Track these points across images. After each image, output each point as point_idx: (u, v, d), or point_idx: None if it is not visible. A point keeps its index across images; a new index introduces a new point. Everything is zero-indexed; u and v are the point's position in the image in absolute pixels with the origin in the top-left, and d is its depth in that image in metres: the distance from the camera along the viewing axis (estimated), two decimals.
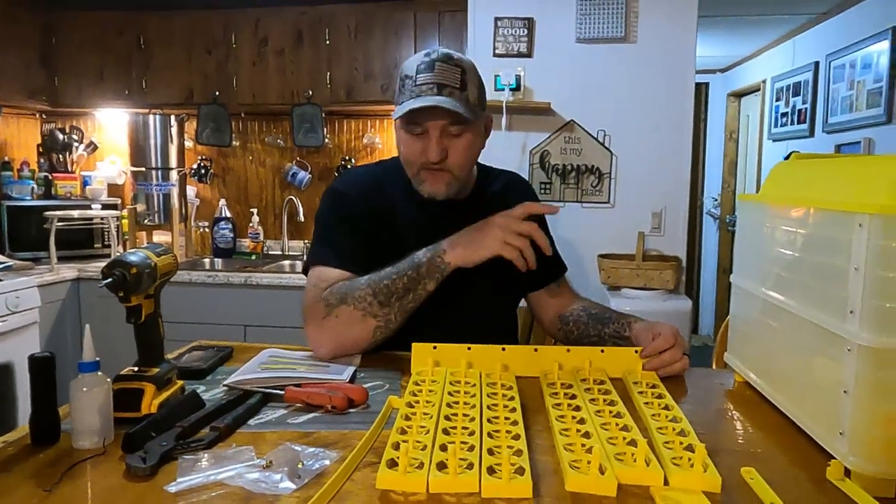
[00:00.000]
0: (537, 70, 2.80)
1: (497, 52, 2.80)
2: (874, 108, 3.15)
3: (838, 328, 0.77)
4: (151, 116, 3.35)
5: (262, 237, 3.62)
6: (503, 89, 2.72)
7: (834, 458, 0.78)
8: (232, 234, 3.56)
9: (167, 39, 3.34)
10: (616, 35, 2.72)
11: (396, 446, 0.78)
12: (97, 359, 0.84)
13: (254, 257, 3.54)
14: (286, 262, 3.42)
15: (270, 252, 3.64)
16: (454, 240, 1.19)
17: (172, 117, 3.37)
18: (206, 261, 3.50)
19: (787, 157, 1.12)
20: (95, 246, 3.36)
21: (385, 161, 1.48)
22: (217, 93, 3.32)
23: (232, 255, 3.55)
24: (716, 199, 5.55)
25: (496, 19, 2.80)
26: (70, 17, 3.37)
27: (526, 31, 2.77)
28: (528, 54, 2.79)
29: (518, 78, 2.73)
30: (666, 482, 0.74)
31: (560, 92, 2.80)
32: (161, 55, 3.35)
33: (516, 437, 0.83)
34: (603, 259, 2.72)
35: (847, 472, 0.77)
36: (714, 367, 1.69)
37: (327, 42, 3.19)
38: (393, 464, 0.74)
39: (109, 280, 0.87)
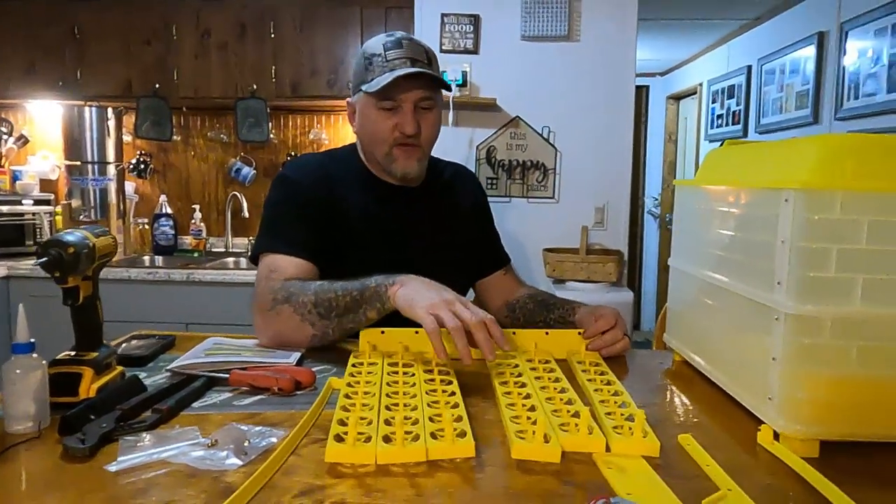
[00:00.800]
0: (483, 66, 2.84)
1: (444, 48, 2.82)
2: (802, 109, 3.32)
3: (767, 299, 0.82)
4: (87, 109, 3.23)
5: (204, 234, 3.54)
6: (450, 84, 2.73)
7: (764, 423, 0.83)
8: (173, 232, 3.47)
9: (103, 30, 3.22)
10: (560, 34, 2.78)
11: (342, 422, 0.78)
12: (32, 340, 0.81)
13: (196, 255, 3.46)
14: (230, 259, 3.35)
15: (214, 249, 3.56)
16: (407, 281, 1.09)
17: (110, 110, 3.26)
18: (146, 258, 3.40)
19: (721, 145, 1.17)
20: (27, 243, 3.21)
21: (335, 150, 1.48)
22: (157, 85, 3.23)
23: (173, 253, 3.45)
24: (656, 199, 5.73)
25: (443, 15, 2.82)
26: None
27: (472, 28, 2.80)
28: (475, 50, 2.83)
29: (464, 74, 2.76)
30: (608, 449, 0.77)
31: (506, 88, 2.85)
32: (97, 46, 3.24)
33: (455, 406, 0.86)
34: (548, 253, 2.77)
35: (776, 436, 0.81)
36: (654, 349, 1.74)
37: (272, 36, 3.15)
38: (340, 438, 0.75)
39: (45, 259, 0.84)
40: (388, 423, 0.79)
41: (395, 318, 1.12)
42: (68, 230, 0.90)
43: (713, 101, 4.65)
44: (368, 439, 0.75)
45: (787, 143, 0.90)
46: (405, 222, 1.37)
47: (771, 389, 0.81)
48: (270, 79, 3.18)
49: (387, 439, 0.75)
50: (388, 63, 1.24)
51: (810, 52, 3.23)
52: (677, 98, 5.61)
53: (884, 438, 0.78)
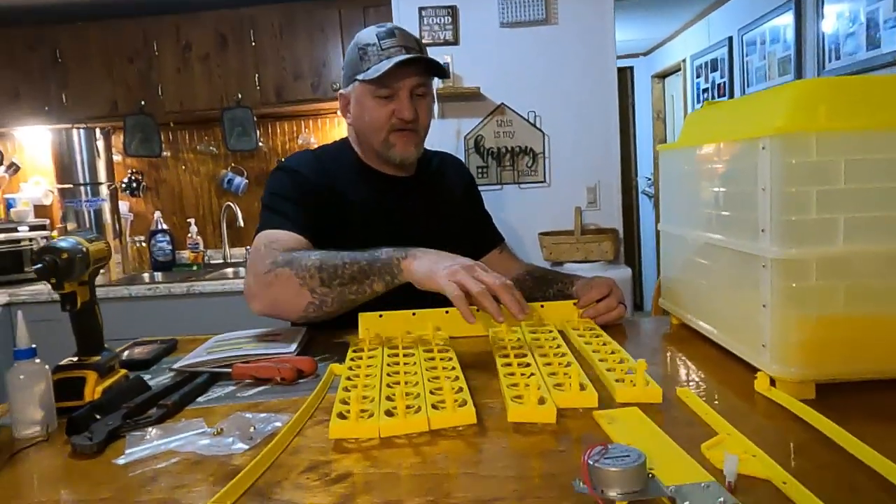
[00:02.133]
0: (465, 56, 2.84)
1: (424, 41, 2.82)
2: (786, 75, 3.32)
3: (753, 248, 0.83)
4: (75, 131, 3.24)
5: (202, 247, 3.55)
6: (446, 70, 2.74)
7: (760, 371, 0.84)
8: (170, 247, 3.47)
9: (84, 51, 3.23)
10: (537, 18, 2.78)
11: (345, 401, 0.79)
12: (33, 346, 0.82)
13: (195, 268, 3.47)
14: (229, 270, 3.35)
15: (212, 261, 3.57)
16: (420, 253, 1.08)
17: (98, 131, 3.27)
18: (146, 275, 3.40)
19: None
20: (26, 270, 3.22)
21: (327, 145, 1.49)
22: (143, 102, 3.24)
23: (172, 268, 3.46)
24: (649, 179, 5.73)
25: (420, 9, 2.82)
26: None
27: (450, 19, 2.81)
28: (455, 41, 2.83)
29: (447, 65, 2.77)
30: (606, 404, 0.78)
31: (488, 76, 2.85)
32: (79, 68, 3.24)
33: (455, 379, 0.87)
34: (544, 237, 2.78)
35: (773, 383, 0.82)
36: (652, 315, 1.75)
37: (253, 43, 3.16)
38: (342, 417, 0.76)
39: (40, 266, 0.85)
40: (389, 398, 0.80)
41: (392, 300, 1.13)
42: (61, 237, 0.91)
43: (698, 76, 4.66)
44: (371, 415, 0.76)
45: (761, 94, 0.91)
46: (402, 211, 1.39)
47: (764, 336, 0.82)
48: (255, 86, 3.19)
49: (389, 414, 0.76)
50: (383, 51, 1.26)
51: (788, 18, 3.24)
52: (662, 76, 5.62)
53: (877, 375, 0.79)
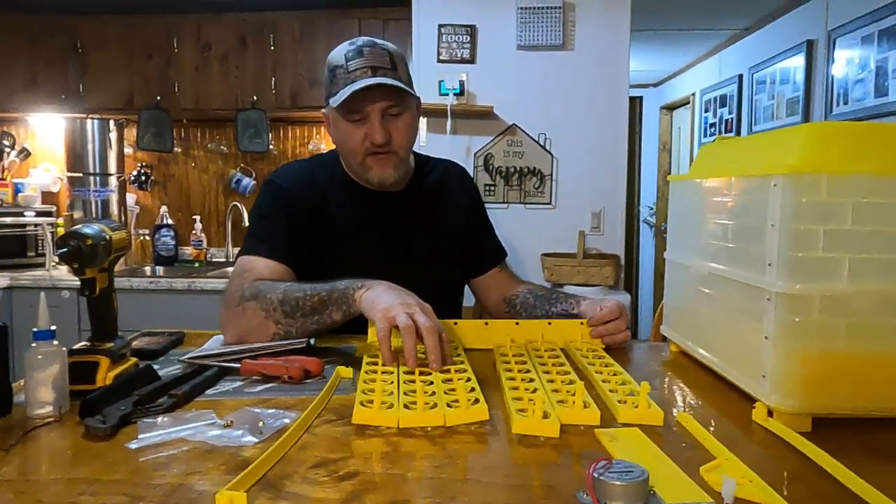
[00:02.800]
0: (480, 75, 2.89)
1: (441, 58, 2.88)
2: (793, 116, 3.38)
3: (759, 281, 0.85)
4: (89, 121, 3.27)
5: (205, 244, 3.57)
6: (447, 94, 2.79)
7: (759, 401, 0.86)
8: (174, 242, 3.50)
9: (104, 43, 3.28)
10: (554, 43, 2.84)
11: (366, 392, 0.83)
12: (53, 327, 0.84)
13: (197, 265, 3.49)
14: (231, 269, 3.37)
15: (214, 259, 3.59)
16: (374, 285, 1.10)
17: (112, 122, 3.30)
18: (147, 269, 3.42)
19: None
20: (29, 255, 3.24)
21: (320, 155, 1.49)
22: (159, 98, 3.28)
23: (174, 263, 3.48)
24: (651, 208, 5.78)
25: (440, 26, 2.87)
26: (0, 19, 3.27)
27: (469, 38, 2.86)
28: (471, 60, 2.88)
29: (461, 83, 2.81)
30: (609, 422, 0.80)
31: (502, 97, 2.90)
32: (99, 59, 3.29)
33: (468, 380, 0.91)
34: (546, 258, 2.81)
35: (770, 414, 0.84)
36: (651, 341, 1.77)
37: (272, 48, 3.20)
38: (365, 405, 0.80)
39: (65, 250, 0.87)
40: (407, 394, 0.84)
41: (357, 326, 1.14)
42: (85, 223, 0.93)
43: (706, 111, 4.72)
44: (391, 406, 0.81)
45: (775, 133, 0.94)
46: (394, 226, 1.38)
47: (764, 367, 0.84)
48: (270, 90, 3.23)
49: (408, 407, 0.81)
50: (349, 74, 1.23)
51: (799, 60, 3.30)
52: (671, 108, 5.68)
53: (874, 413, 0.81)
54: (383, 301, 1.04)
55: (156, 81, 3.28)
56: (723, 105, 4.38)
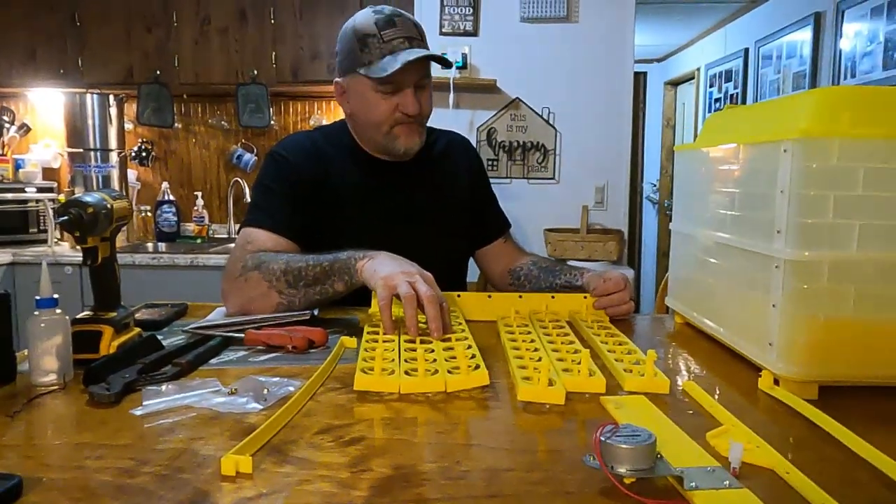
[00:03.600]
0: (483, 48, 2.85)
1: (443, 30, 2.84)
2: (799, 90, 3.34)
3: (767, 249, 0.84)
4: (89, 96, 3.24)
5: (207, 220, 3.56)
6: (450, 67, 2.75)
7: (765, 369, 0.85)
8: (175, 218, 3.49)
9: (103, 17, 3.23)
10: (559, 15, 2.80)
11: (368, 359, 0.83)
12: (56, 295, 0.84)
13: (199, 241, 3.48)
14: (233, 245, 3.37)
15: (216, 236, 3.58)
16: (376, 255, 1.10)
17: (111, 97, 3.27)
18: (150, 245, 3.42)
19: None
20: (31, 231, 3.23)
21: (324, 126, 1.48)
22: (158, 72, 3.24)
23: (176, 240, 3.47)
24: (654, 185, 5.75)
25: None
26: None
27: (471, 10, 2.82)
28: (474, 32, 2.84)
29: (464, 56, 2.78)
30: (615, 390, 0.80)
31: (505, 70, 2.87)
32: (98, 33, 3.24)
33: (469, 347, 0.91)
34: (549, 233, 2.80)
35: (776, 382, 0.84)
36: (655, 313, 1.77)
37: (272, 21, 3.16)
38: (366, 372, 0.81)
39: (66, 218, 0.86)
40: (408, 361, 0.84)
41: (361, 297, 1.15)
42: (86, 193, 0.92)
43: (711, 86, 4.67)
44: (392, 372, 0.81)
45: (784, 99, 0.92)
46: (400, 197, 1.38)
47: (771, 335, 0.83)
48: (271, 64, 3.19)
49: (409, 374, 0.81)
50: (385, 45, 1.22)
51: (807, 33, 3.25)
52: (675, 84, 5.63)
53: (881, 381, 0.81)
54: (385, 270, 1.03)
55: (155, 56, 3.24)
56: (728, 80, 4.33)
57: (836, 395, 0.80)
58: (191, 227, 3.55)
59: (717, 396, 0.82)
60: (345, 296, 1.17)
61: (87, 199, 0.90)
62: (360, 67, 1.25)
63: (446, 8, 2.83)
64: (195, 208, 3.53)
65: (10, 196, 3.11)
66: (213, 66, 3.23)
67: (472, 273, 1.59)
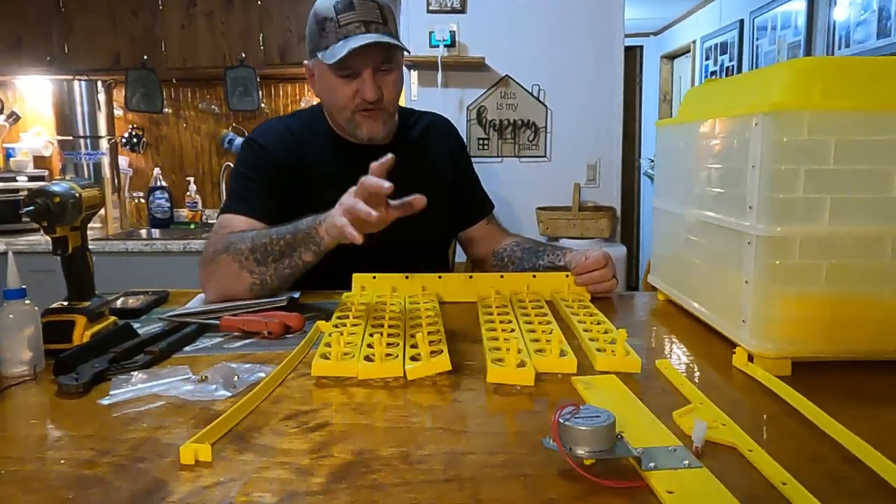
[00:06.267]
0: (471, 25, 2.82)
1: (431, 7, 2.80)
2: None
3: (740, 225, 0.83)
4: (76, 83, 3.21)
5: (200, 206, 3.55)
6: (438, 45, 2.72)
7: (739, 346, 0.85)
8: (168, 204, 3.47)
9: (88, 2, 3.19)
10: None
11: (329, 345, 0.83)
12: (23, 286, 0.83)
13: (193, 226, 3.47)
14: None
15: (210, 221, 3.57)
16: (329, 213, 1.07)
17: (99, 83, 3.25)
18: (143, 231, 3.41)
19: None
20: (24, 220, 3.21)
21: (301, 111, 1.47)
22: (145, 57, 3.21)
23: (170, 226, 3.47)
24: (652, 161, 5.71)
25: None
26: None
27: None
28: (462, 10, 2.80)
29: (452, 34, 2.74)
30: (585, 370, 0.80)
31: (495, 47, 2.83)
32: (83, 18, 3.21)
33: (436, 332, 0.90)
34: (541, 211, 2.78)
35: (750, 358, 0.83)
36: (642, 291, 1.77)
37: (258, 2, 3.12)
38: (325, 357, 0.80)
39: (31, 208, 0.86)
40: (370, 346, 0.83)
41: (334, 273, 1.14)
42: (54, 181, 0.91)
43: (707, 59, 4.61)
44: (352, 356, 0.81)
45: (761, 71, 0.91)
46: None
47: (744, 312, 0.83)
48: (259, 46, 3.16)
49: (368, 359, 0.80)
50: (340, 29, 1.20)
51: (801, 4, 3.20)
52: (671, 57, 5.56)
53: (853, 356, 0.81)
54: (334, 215, 1.02)
55: (142, 40, 3.21)
56: (724, 52, 4.28)
57: (811, 371, 0.80)
58: (184, 213, 3.54)
59: (693, 374, 0.82)
60: (326, 277, 1.17)
61: (55, 188, 0.89)
62: (318, 51, 1.24)
63: None
64: (188, 194, 3.52)
65: (1, 185, 3.09)
66: (200, 49, 3.19)
67: (461, 254, 1.59)
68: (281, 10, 3.11)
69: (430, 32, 2.74)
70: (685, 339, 0.99)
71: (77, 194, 0.91)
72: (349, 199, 0.99)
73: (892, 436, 0.63)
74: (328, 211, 1.08)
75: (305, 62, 1.33)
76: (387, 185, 0.93)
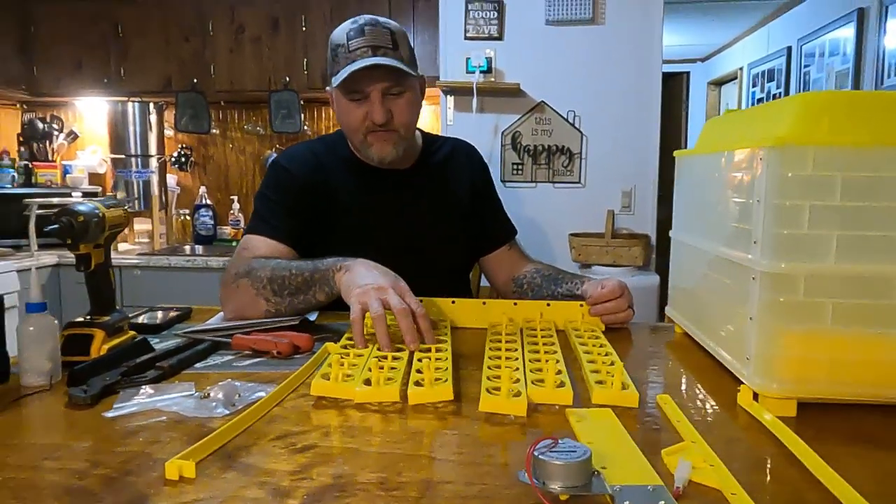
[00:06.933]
0: (508, 52, 2.84)
1: (468, 34, 2.84)
2: (843, 88, 3.21)
3: (745, 260, 0.82)
4: (130, 104, 3.38)
5: (242, 224, 3.65)
6: (474, 71, 2.76)
7: (744, 384, 0.83)
8: (212, 222, 3.59)
9: (143, 27, 3.36)
10: (584, 17, 2.76)
11: (331, 365, 0.84)
12: (45, 300, 0.88)
13: (234, 244, 3.57)
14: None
15: None
16: (353, 266, 1.10)
17: (151, 105, 3.40)
18: (187, 247, 3.52)
19: None
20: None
21: (327, 136, 1.51)
22: (195, 80, 3.35)
23: (213, 242, 3.58)
24: None
25: (467, 2, 2.83)
26: (47, 7, 3.39)
27: (496, 14, 2.81)
28: (499, 37, 2.83)
29: (489, 60, 2.77)
30: (577, 402, 0.79)
31: (530, 73, 2.85)
32: (138, 43, 3.37)
33: (444, 360, 0.90)
34: (574, 237, 2.76)
35: (756, 397, 0.81)
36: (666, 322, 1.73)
37: (304, 29, 3.22)
38: (325, 378, 0.82)
39: (56, 227, 0.90)
40: (371, 370, 0.84)
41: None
42: (81, 200, 0.96)
43: (753, 85, 4.54)
44: (352, 378, 0.83)
45: (772, 104, 0.89)
46: (396, 206, 1.39)
47: (749, 349, 0.81)
48: (302, 71, 3.26)
49: (367, 382, 0.81)
50: (349, 54, 1.24)
51: (850, 30, 3.13)
52: (718, 83, 5.49)
53: (860, 398, 0.78)
54: (358, 284, 1.03)
55: (192, 64, 3.35)
56: (771, 79, 4.20)
57: (818, 413, 0.77)
58: (227, 231, 3.65)
59: (692, 411, 0.80)
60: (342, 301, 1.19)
61: (80, 207, 0.93)
62: (333, 76, 1.29)
63: (471, 12, 2.83)
64: (231, 212, 3.63)
65: (56, 201, 3.24)
66: (246, 73, 3.32)
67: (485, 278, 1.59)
68: (325, 36, 3.17)
69: (467, 59, 2.78)
70: (695, 373, 0.97)
71: (100, 214, 0.95)
72: (385, 292, 0.99)
73: (891, 481, 0.60)
74: (353, 259, 1.11)
75: (327, 88, 1.37)
76: (413, 347, 0.96)
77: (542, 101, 2.87)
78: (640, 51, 2.79)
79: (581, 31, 2.80)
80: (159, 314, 1.25)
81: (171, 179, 3.68)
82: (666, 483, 0.58)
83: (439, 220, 1.41)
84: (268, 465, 0.63)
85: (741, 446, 0.71)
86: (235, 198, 3.65)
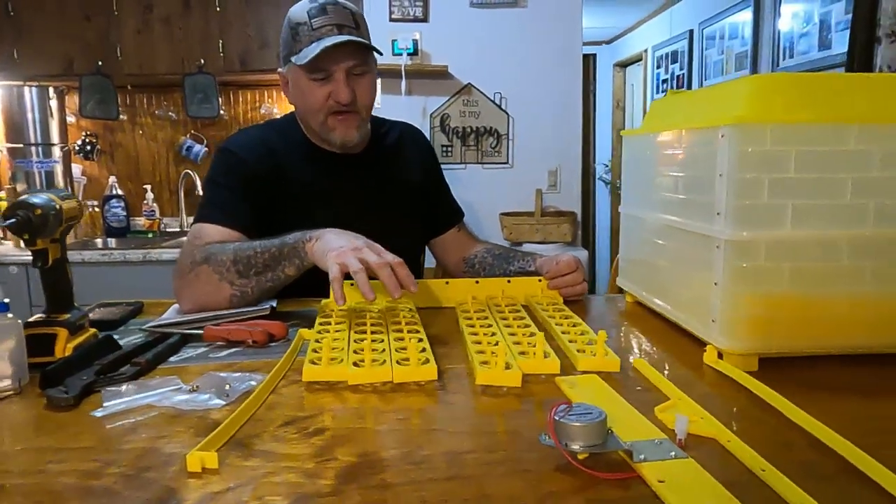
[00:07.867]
0: (434, 34, 2.85)
1: (393, 16, 2.83)
2: (742, 70, 3.44)
3: (708, 230, 0.88)
4: (27, 89, 3.13)
5: (158, 214, 3.48)
6: (401, 54, 2.75)
7: (709, 344, 0.90)
8: (125, 213, 3.40)
9: (38, 5, 3.11)
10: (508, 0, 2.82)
11: (316, 350, 0.85)
12: (6, 300, 0.83)
13: (150, 235, 3.41)
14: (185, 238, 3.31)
15: (168, 229, 3.51)
16: (322, 234, 1.10)
17: (51, 89, 3.16)
18: (99, 241, 3.33)
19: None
20: None
21: (275, 120, 1.48)
22: (100, 63, 3.14)
23: (126, 235, 3.39)
24: (606, 166, 5.85)
25: None
26: None
27: None
28: (424, 18, 2.84)
29: (415, 42, 2.78)
30: (569, 370, 0.84)
31: (457, 56, 2.87)
32: (34, 23, 3.12)
33: (420, 340, 0.92)
34: (505, 217, 2.83)
35: (720, 356, 0.89)
36: (608, 293, 1.83)
37: (217, 8, 3.09)
38: (314, 363, 0.82)
39: (13, 221, 0.85)
40: (356, 352, 0.86)
41: (311, 282, 1.14)
42: (33, 193, 0.90)
43: (658, 67, 4.77)
44: (341, 361, 0.83)
45: (722, 85, 0.96)
46: (350, 190, 1.38)
47: (713, 312, 0.88)
48: (218, 53, 3.13)
49: (357, 364, 0.83)
50: (314, 32, 1.22)
51: (747, 15, 3.34)
52: (624, 65, 5.72)
53: (815, 350, 0.86)
54: (333, 248, 1.03)
55: (96, 46, 3.14)
56: (674, 61, 4.43)
57: (776, 366, 0.85)
58: (141, 222, 3.47)
59: (665, 372, 0.86)
60: (303, 287, 1.17)
61: (35, 200, 0.88)
62: (292, 56, 1.26)
63: None
64: (145, 202, 3.45)
65: None
66: (157, 55, 3.14)
67: (430, 259, 1.61)
68: (241, 17, 3.09)
69: (393, 41, 2.77)
70: (656, 338, 1.04)
71: (57, 206, 0.90)
72: (361, 251, 1.00)
73: (853, 422, 0.68)
74: (320, 229, 1.10)
75: (279, 70, 1.34)
76: (397, 294, 0.97)
77: (470, 84, 2.91)
78: (562, 33, 2.88)
79: (505, 14, 2.86)
80: (113, 309, 1.19)
81: (77, 169, 3.45)
82: (668, 437, 0.64)
83: (394, 203, 1.42)
84: (286, 451, 0.64)
85: (717, 400, 0.77)
86: (149, 187, 3.47)
